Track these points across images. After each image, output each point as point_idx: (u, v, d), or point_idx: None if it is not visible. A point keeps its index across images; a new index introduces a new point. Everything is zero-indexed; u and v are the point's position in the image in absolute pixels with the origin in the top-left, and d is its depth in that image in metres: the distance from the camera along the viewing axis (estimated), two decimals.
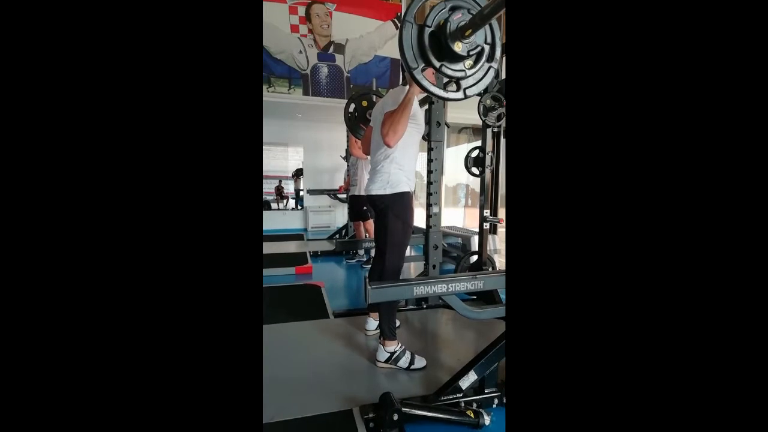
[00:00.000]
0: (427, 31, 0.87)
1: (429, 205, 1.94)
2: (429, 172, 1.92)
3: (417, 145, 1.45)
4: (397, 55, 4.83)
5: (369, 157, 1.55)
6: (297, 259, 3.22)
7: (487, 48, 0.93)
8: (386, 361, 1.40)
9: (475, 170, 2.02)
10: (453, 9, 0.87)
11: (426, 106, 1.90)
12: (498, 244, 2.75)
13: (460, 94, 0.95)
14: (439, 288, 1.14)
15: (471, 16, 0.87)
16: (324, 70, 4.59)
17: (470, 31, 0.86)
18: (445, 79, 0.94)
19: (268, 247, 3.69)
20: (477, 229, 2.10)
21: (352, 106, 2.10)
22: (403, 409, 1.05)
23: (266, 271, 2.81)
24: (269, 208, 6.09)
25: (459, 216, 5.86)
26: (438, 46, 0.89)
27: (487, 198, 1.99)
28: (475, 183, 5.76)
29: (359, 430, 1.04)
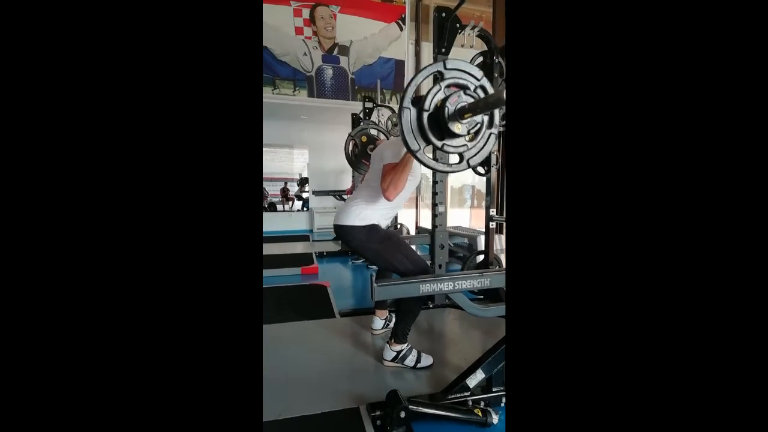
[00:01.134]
0: (426, 114, 0.88)
1: (434, 205, 1.94)
2: (434, 172, 1.92)
3: (410, 192, 1.45)
4: (401, 57, 4.86)
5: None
6: (303, 259, 3.23)
7: (486, 119, 0.94)
8: (393, 360, 1.40)
9: (480, 169, 2.02)
10: (448, 93, 0.88)
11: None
12: (504, 243, 2.74)
13: (464, 165, 0.96)
14: (446, 286, 1.13)
15: (468, 97, 0.88)
16: (329, 72, 4.61)
17: (470, 114, 0.87)
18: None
19: (275, 248, 3.72)
20: (483, 230, 2.10)
21: (352, 143, 2.11)
22: (410, 406, 1.05)
23: (273, 272, 2.83)
24: (275, 210, 6.12)
25: (465, 217, 5.84)
26: (437, 125, 0.90)
27: (493, 197, 1.98)
28: (480, 184, 5.74)
29: (366, 427, 1.04)
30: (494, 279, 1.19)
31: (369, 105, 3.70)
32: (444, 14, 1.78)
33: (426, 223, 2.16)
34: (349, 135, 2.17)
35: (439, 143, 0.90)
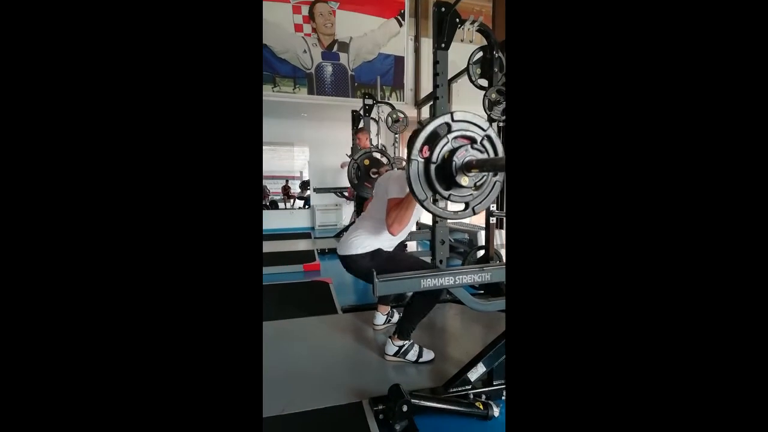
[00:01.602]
0: (433, 166, 0.91)
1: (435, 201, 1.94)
2: None
3: (413, 224, 1.45)
4: (400, 53, 4.83)
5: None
6: (305, 256, 3.24)
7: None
8: (395, 355, 1.41)
9: None
10: (456, 145, 0.91)
11: (431, 102, 1.90)
12: (505, 238, 2.74)
13: (469, 212, 0.99)
14: (447, 280, 1.14)
15: (475, 150, 0.91)
16: (328, 68, 4.60)
17: (476, 170, 0.90)
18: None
19: (277, 246, 3.73)
20: (483, 225, 2.10)
21: (355, 166, 2.12)
22: (412, 400, 1.06)
23: (275, 269, 2.85)
24: (276, 208, 6.14)
25: None
26: (444, 176, 0.92)
27: None
28: None
29: (369, 421, 1.06)
30: (494, 273, 1.20)
31: (369, 102, 3.69)
32: (443, 9, 1.77)
33: (426, 219, 2.16)
34: (352, 158, 2.18)
35: (446, 193, 0.94)
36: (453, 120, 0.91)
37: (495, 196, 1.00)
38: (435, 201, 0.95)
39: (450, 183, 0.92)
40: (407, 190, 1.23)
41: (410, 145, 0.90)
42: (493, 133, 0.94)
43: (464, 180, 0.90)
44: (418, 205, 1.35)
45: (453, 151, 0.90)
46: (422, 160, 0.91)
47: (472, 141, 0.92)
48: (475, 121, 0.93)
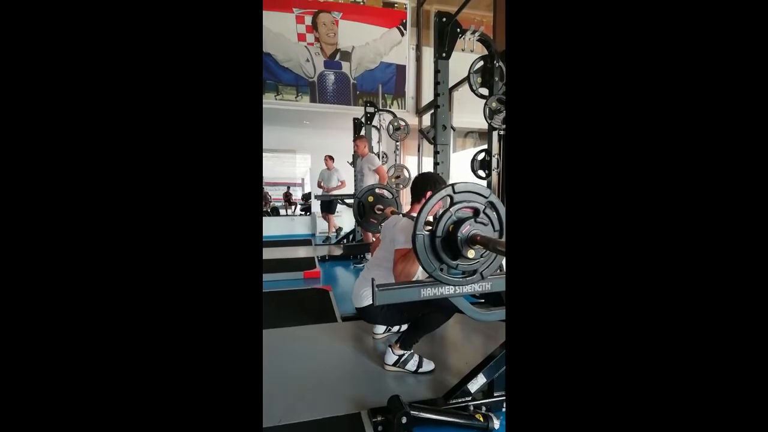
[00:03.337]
0: (438, 239, 0.93)
1: None
2: None
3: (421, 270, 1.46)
4: (402, 62, 4.88)
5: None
6: (305, 263, 3.23)
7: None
8: (394, 365, 1.40)
9: (481, 173, 2.02)
10: (460, 217, 0.94)
11: (432, 111, 1.92)
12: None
13: (477, 277, 1.00)
14: (447, 290, 1.13)
15: (478, 224, 0.93)
16: (331, 77, 4.65)
17: (480, 245, 0.92)
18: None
19: (277, 253, 3.72)
20: None
21: (358, 203, 2.15)
22: (411, 412, 1.05)
23: (275, 276, 2.83)
24: (278, 214, 6.14)
25: None
26: (450, 248, 0.94)
27: None
28: None
29: None
30: (495, 283, 1.18)
31: (371, 110, 3.72)
32: (445, 19, 1.79)
33: None
34: (355, 197, 2.19)
35: (453, 263, 0.96)
36: (455, 192, 0.93)
37: (501, 260, 1.02)
38: (441, 270, 0.97)
39: (456, 254, 0.94)
40: None
41: (416, 222, 0.92)
42: (494, 198, 0.96)
43: (470, 253, 0.92)
44: None
45: (457, 224, 0.93)
46: (427, 233, 0.93)
47: (476, 212, 0.94)
48: (476, 190, 0.95)
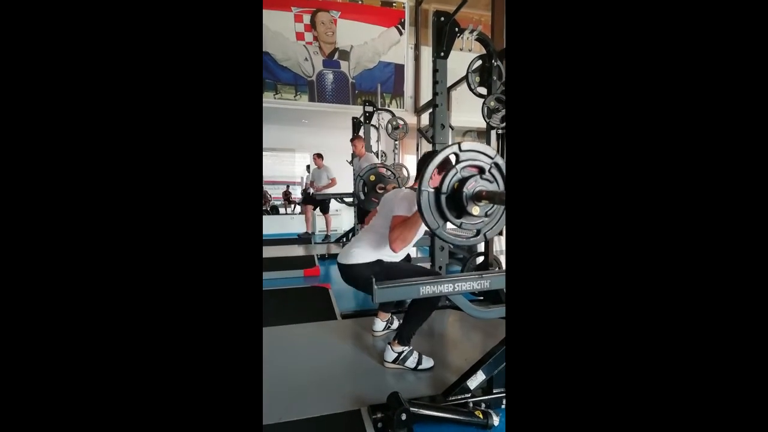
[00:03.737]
0: (443, 196, 0.93)
1: None
2: None
3: (415, 241, 1.45)
4: (400, 61, 4.88)
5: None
6: (305, 261, 3.24)
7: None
8: (394, 362, 1.40)
9: None
10: (465, 175, 0.93)
11: (430, 110, 1.92)
12: (504, 244, 2.74)
13: (480, 238, 1.00)
14: (446, 287, 1.14)
15: (484, 181, 0.93)
16: (329, 76, 4.65)
17: (486, 201, 0.92)
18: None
19: (277, 251, 3.72)
20: None
21: (361, 182, 2.15)
22: (411, 408, 1.05)
23: (274, 274, 2.84)
24: (277, 213, 6.14)
25: None
26: (455, 205, 0.95)
27: None
28: None
29: (367, 430, 1.04)
30: (494, 280, 1.19)
31: (369, 109, 3.72)
32: (443, 18, 1.80)
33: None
34: (359, 175, 2.20)
35: (457, 221, 0.96)
36: (461, 150, 0.93)
37: (503, 225, 1.02)
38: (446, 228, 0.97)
39: (461, 211, 0.94)
40: (415, 209, 1.24)
41: (419, 176, 0.92)
42: (501, 160, 0.96)
43: (475, 210, 0.93)
44: (421, 227, 1.36)
45: (462, 181, 0.92)
46: (432, 190, 0.93)
47: (481, 170, 0.94)
48: (482, 150, 0.95)
